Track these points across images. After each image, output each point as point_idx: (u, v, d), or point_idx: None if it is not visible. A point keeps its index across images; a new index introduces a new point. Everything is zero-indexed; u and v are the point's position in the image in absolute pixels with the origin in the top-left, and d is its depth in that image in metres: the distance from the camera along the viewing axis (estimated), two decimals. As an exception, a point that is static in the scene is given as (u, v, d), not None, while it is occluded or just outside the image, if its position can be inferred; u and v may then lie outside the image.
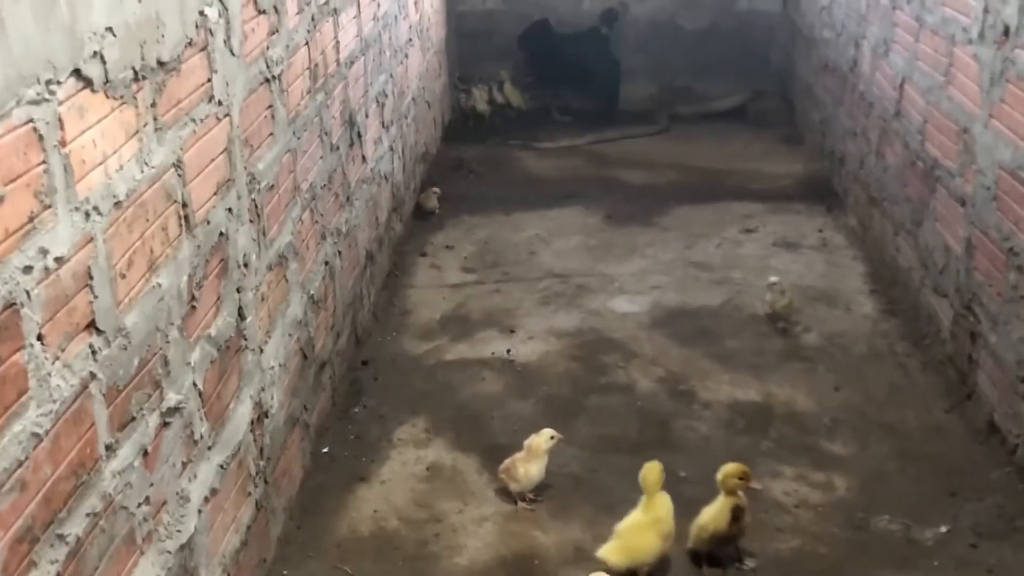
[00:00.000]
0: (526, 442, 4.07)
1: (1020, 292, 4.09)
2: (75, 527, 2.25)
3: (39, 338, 2.09)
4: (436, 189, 7.10)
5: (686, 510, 3.79)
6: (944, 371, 4.87)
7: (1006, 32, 4.26)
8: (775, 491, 4.10)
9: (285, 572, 3.70)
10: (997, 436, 4.28)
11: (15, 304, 2.00)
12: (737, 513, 3.63)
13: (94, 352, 2.32)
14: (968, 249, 4.65)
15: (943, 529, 3.87)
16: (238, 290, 3.30)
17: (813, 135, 8.12)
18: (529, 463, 4.02)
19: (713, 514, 3.65)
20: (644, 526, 3.62)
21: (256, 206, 3.49)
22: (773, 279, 5.49)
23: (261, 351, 3.56)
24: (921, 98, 5.37)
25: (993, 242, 4.37)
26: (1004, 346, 4.23)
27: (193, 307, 2.91)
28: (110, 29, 2.36)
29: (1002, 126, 4.31)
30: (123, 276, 2.46)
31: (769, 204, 7.13)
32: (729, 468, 3.68)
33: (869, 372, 4.99)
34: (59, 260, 2.16)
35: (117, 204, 2.42)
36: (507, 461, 4.06)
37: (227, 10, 3.17)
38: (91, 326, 2.31)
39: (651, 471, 3.72)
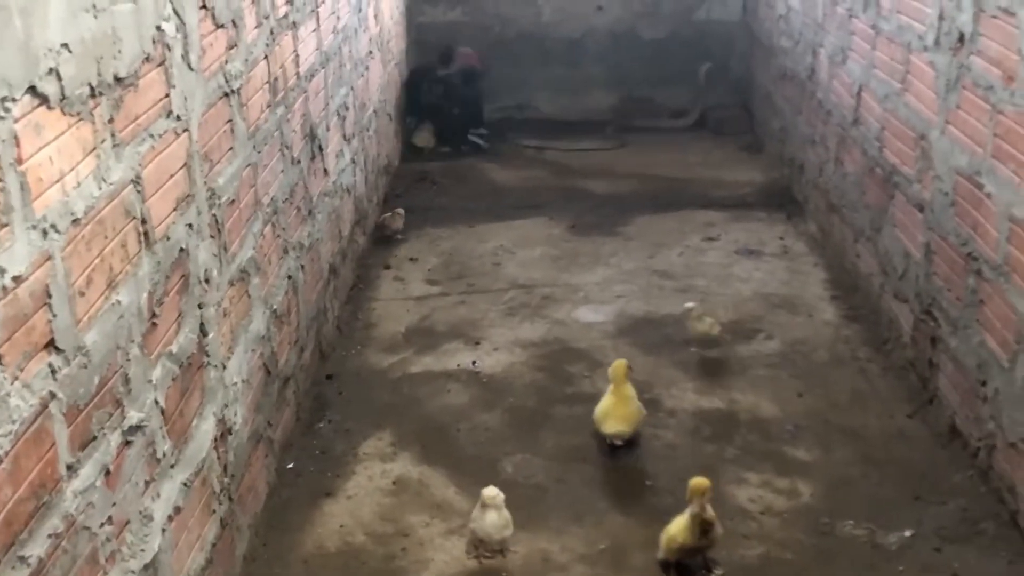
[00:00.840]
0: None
1: (979, 296, 4.14)
2: (37, 548, 2.21)
3: (-3, 358, 2.06)
4: (400, 209, 6.89)
5: (653, 519, 3.79)
6: (905, 376, 4.92)
7: (961, 39, 4.31)
8: (740, 498, 4.11)
9: (251, 590, 3.68)
10: (959, 440, 4.32)
11: (-28, 324, 1.97)
12: (705, 526, 3.62)
13: (54, 371, 2.29)
14: (927, 254, 4.69)
15: (907, 533, 3.90)
16: (199, 306, 3.28)
17: (773, 143, 8.18)
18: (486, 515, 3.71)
19: (682, 526, 3.65)
20: (625, 400, 4.38)
21: (217, 221, 3.46)
22: (689, 304, 5.30)
23: (224, 367, 3.53)
24: (878, 105, 5.42)
25: (952, 247, 4.42)
26: (964, 350, 4.28)
27: (154, 324, 2.89)
28: (66, 45, 2.33)
29: (959, 132, 4.36)
30: (82, 294, 2.43)
31: (730, 212, 7.17)
32: (693, 485, 3.67)
33: (831, 378, 5.03)
34: (16, 279, 2.13)
35: (75, 221, 2.39)
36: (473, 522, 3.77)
37: (185, 25, 3.15)
38: (50, 345, 2.28)
39: (620, 367, 4.44)
